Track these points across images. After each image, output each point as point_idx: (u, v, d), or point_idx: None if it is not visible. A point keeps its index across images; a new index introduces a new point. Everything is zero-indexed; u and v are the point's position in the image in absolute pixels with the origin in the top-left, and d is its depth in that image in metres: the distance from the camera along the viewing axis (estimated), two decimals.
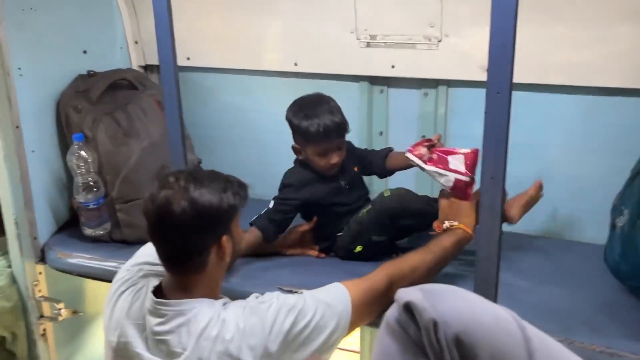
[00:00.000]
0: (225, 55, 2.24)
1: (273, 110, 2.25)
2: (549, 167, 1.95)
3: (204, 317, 1.21)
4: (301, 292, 1.29)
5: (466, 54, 1.89)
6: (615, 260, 1.53)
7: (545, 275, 1.67)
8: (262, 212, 1.77)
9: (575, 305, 1.54)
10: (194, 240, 1.22)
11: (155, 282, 1.32)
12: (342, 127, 1.70)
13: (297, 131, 1.73)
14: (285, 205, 1.76)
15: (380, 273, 1.40)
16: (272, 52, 2.18)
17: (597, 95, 1.83)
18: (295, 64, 2.14)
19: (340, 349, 2.86)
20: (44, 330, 2.04)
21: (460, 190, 1.56)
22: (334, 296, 1.29)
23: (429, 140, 1.63)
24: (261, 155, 2.33)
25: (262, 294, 1.30)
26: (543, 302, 1.55)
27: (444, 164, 1.56)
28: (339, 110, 1.71)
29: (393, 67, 2.00)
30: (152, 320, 1.24)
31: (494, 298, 1.32)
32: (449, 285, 0.88)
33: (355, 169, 1.83)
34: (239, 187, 1.29)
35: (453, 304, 0.82)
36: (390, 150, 1.87)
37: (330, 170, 1.75)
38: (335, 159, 1.72)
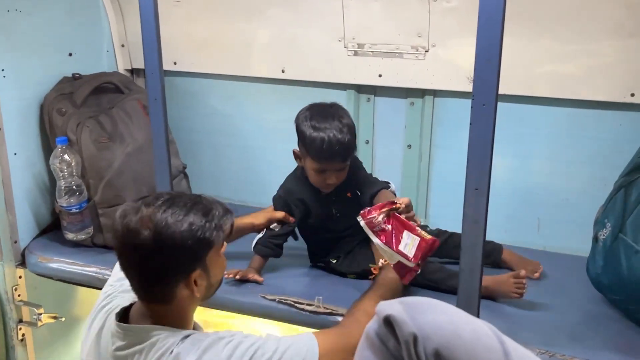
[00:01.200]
0: (212, 61, 2.24)
1: (259, 116, 2.27)
2: (532, 179, 1.96)
3: (159, 349, 1.14)
4: (265, 335, 1.21)
5: (453, 64, 1.90)
6: (597, 272, 1.54)
7: (527, 287, 1.67)
8: (262, 236, 1.74)
9: (557, 316, 1.55)
10: (157, 273, 1.14)
11: (127, 300, 1.27)
12: (347, 149, 1.59)
13: (301, 138, 1.63)
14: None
15: (353, 324, 1.32)
16: (260, 58, 2.17)
17: (581, 108, 1.84)
18: (283, 71, 2.14)
19: None
20: (23, 335, 2.01)
21: (398, 272, 1.43)
22: (299, 340, 1.20)
23: (393, 203, 1.45)
24: (247, 162, 2.32)
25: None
26: (525, 314, 1.55)
27: (395, 241, 1.40)
28: (350, 129, 1.59)
29: (380, 76, 2.01)
30: (114, 343, 1.20)
31: (476, 309, 1.32)
32: (429, 299, 0.88)
33: (349, 194, 1.72)
34: (221, 219, 1.18)
35: (433, 317, 0.82)
36: (384, 187, 1.69)
37: (323, 189, 1.68)
38: (332, 180, 1.63)
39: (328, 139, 1.55)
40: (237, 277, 1.68)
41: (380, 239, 1.42)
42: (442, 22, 1.87)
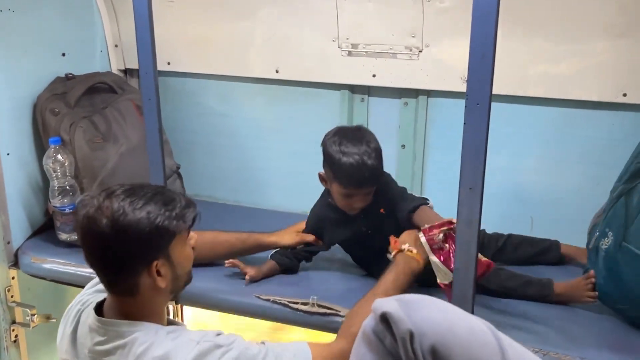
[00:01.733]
0: (206, 61, 2.23)
1: (254, 116, 2.27)
2: (526, 178, 1.97)
3: (143, 342, 1.13)
4: (263, 343, 1.21)
5: (447, 64, 1.91)
6: (600, 283, 1.50)
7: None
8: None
9: (550, 315, 1.55)
10: (116, 261, 1.14)
11: (101, 298, 1.26)
12: (375, 175, 1.56)
13: (328, 161, 1.59)
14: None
15: (347, 336, 1.28)
16: (254, 58, 2.17)
17: (573, 107, 1.86)
18: (277, 71, 2.14)
19: None
20: (16, 336, 2.00)
21: (448, 290, 1.40)
22: (296, 356, 1.20)
23: (451, 223, 1.42)
24: (241, 162, 2.32)
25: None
26: (519, 312, 1.56)
27: (452, 261, 1.39)
28: (378, 154, 1.56)
29: (374, 76, 2.01)
30: (93, 338, 1.19)
31: (470, 308, 1.33)
32: (425, 296, 0.88)
33: (382, 210, 1.66)
34: (184, 209, 1.18)
35: (429, 314, 0.82)
36: (423, 203, 1.63)
37: (350, 212, 1.64)
38: (358, 203, 1.60)
39: (357, 165, 1.53)
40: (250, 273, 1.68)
41: (438, 258, 1.42)
42: (435, 22, 1.88)
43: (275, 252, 1.74)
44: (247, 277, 1.68)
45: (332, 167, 1.58)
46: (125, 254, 1.13)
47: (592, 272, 1.52)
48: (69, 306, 1.34)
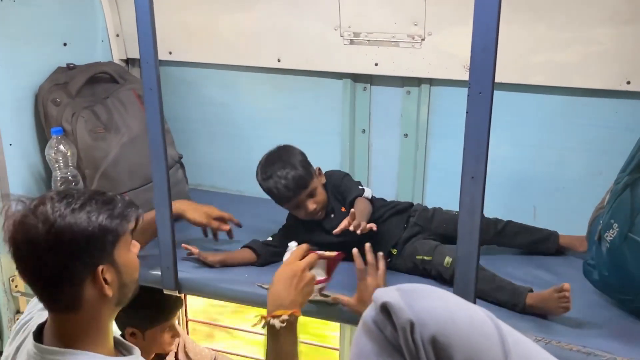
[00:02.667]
0: (207, 50, 2.23)
1: (255, 105, 2.26)
2: (528, 167, 1.96)
3: None
4: None
5: (449, 52, 1.90)
6: (604, 274, 1.48)
7: (522, 274, 1.68)
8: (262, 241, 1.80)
9: None
10: (57, 271, 1.03)
11: (44, 318, 1.14)
12: (298, 182, 1.66)
13: (264, 191, 1.73)
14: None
15: None
16: (256, 47, 2.16)
17: (577, 95, 1.85)
18: (279, 60, 2.13)
19: (320, 345, 2.87)
20: None
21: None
22: None
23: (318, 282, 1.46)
24: (243, 151, 2.32)
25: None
26: None
27: (323, 281, 1.46)
28: (297, 163, 1.67)
29: (376, 64, 2.00)
30: None
31: (472, 297, 1.33)
32: (426, 285, 0.88)
33: (343, 209, 1.73)
34: (125, 209, 1.10)
35: (430, 304, 0.82)
36: (357, 195, 1.71)
37: (314, 216, 1.72)
38: (311, 206, 1.69)
39: (276, 184, 1.67)
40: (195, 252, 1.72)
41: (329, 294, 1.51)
42: (438, 10, 1.86)
43: (252, 241, 1.78)
44: (196, 252, 1.71)
45: (268, 194, 1.72)
46: (66, 260, 1.03)
47: (566, 284, 1.43)
48: (20, 317, 1.26)
